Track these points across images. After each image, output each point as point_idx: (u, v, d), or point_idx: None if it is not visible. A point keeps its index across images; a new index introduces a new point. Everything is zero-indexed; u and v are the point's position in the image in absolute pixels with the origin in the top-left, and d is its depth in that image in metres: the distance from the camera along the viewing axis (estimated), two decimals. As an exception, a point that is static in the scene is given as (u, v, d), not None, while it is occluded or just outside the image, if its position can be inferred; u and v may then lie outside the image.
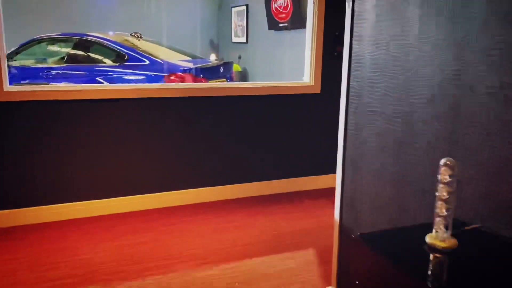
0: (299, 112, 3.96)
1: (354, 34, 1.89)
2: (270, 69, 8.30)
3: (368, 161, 1.87)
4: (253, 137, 3.85)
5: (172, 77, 5.02)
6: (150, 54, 5.40)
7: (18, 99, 3.14)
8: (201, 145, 3.70)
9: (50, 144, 3.29)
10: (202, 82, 5.19)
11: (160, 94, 3.43)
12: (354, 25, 1.89)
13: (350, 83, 1.95)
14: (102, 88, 3.35)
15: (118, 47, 5.37)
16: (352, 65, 1.92)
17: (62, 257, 2.85)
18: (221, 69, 5.62)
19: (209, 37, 10.35)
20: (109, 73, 5.21)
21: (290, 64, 7.51)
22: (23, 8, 8.53)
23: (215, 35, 10.41)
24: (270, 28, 8.02)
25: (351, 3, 1.90)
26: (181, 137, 3.62)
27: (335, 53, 3.92)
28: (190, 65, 5.39)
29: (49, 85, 3.20)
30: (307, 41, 3.97)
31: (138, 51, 5.32)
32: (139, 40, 5.85)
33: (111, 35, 5.94)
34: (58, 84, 3.08)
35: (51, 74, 5.46)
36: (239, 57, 9.49)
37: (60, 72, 5.45)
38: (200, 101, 3.60)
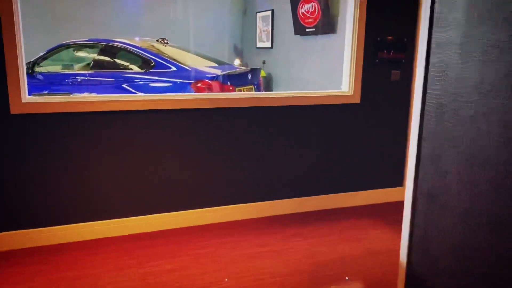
0: (337, 124, 3.57)
1: (434, 40, 1.50)
2: (296, 75, 7.91)
3: (452, 196, 1.48)
4: (286, 150, 3.47)
5: (199, 85, 4.68)
6: (176, 60, 5.07)
7: (38, 111, 2.83)
8: (230, 159, 3.34)
9: (67, 159, 2.97)
10: (230, 89, 4.85)
11: (191, 105, 3.08)
12: (434, 30, 1.50)
13: (427, 100, 1.55)
14: (127, 99, 3.01)
15: (144, 53, 5.06)
16: (430, 78, 1.53)
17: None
18: (249, 76, 5.27)
19: (233, 43, 10.02)
20: (135, 80, 4.91)
21: (317, 70, 7.10)
22: (53, 14, 8.33)
23: (239, 41, 10.08)
24: (296, 33, 7.63)
25: (429, 4, 1.50)
26: (210, 150, 3.26)
27: (376, 60, 3.52)
28: (217, 72, 5.04)
29: (72, 96, 2.88)
30: (346, 47, 3.57)
31: (165, 58, 5.00)
32: (165, 46, 5.55)
33: (137, 41, 5.64)
34: (81, 95, 2.76)
35: (77, 81, 5.18)
36: (264, 62, 9.13)
37: (86, 78, 5.17)
38: (229, 112, 3.24)
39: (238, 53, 10.04)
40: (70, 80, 5.17)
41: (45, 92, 5.24)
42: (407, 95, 3.69)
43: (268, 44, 8.88)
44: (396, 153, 3.80)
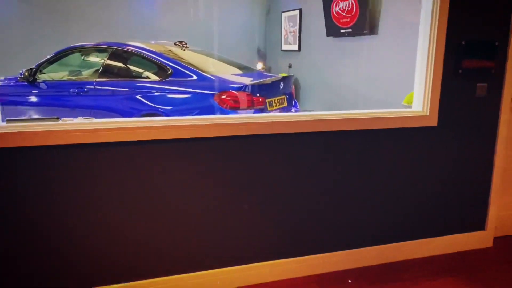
0: (406, 152, 2.72)
1: None
2: (328, 81, 7.07)
3: None
4: (337, 185, 2.64)
5: (224, 96, 3.91)
6: (196, 67, 4.31)
7: (19, 144, 2.06)
8: (294, 196, 2.54)
9: (66, 203, 2.20)
10: (260, 101, 4.06)
11: (240, 131, 2.28)
12: None
13: None
14: (141, 125, 2.21)
15: (160, 59, 4.29)
16: None
17: None
18: (281, 85, 4.47)
19: (255, 45, 9.22)
20: (151, 91, 4.15)
21: (354, 77, 6.26)
22: (67, 15, 7.65)
23: (262, 43, 9.27)
24: (329, 35, 6.79)
25: None
26: (274, 187, 2.47)
27: (460, 71, 2.68)
28: (245, 80, 4.26)
29: (65, 122, 2.08)
30: (418, 54, 2.72)
31: (184, 64, 4.24)
32: (184, 50, 4.79)
33: (152, 44, 4.88)
34: (78, 121, 2.00)
35: (83, 91, 4.45)
36: (290, 66, 8.31)
37: (93, 87, 4.44)
38: (268, 139, 2.44)
39: (261, 56, 9.24)
40: (76, 89, 4.45)
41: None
42: (495, 115, 2.84)
43: (295, 47, 8.06)
44: (478, 188, 2.95)
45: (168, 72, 4.18)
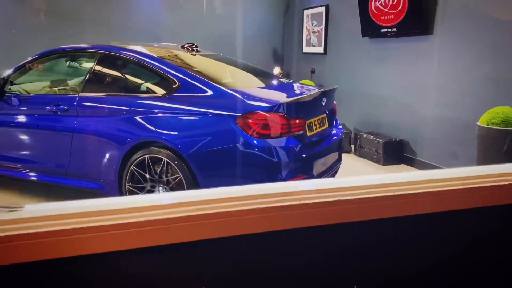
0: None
1: None
2: (362, 91, 5.96)
3: None
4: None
5: (251, 119, 2.83)
6: (212, 78, 3.23)
7: None
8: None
9: None
10: (297, 124, 2.96)
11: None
12: None
13: None
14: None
15: (163, 67, 3.21)
16: None
17: None
18: (323, 101, 3.38)
19: (272, 47, 8.14)
20: (151, 110, 3.08)
21: (400, 86, 5.17)
22: (64, 13, 6.61)
23: (279, 44, 8.19)
24: (365, 35, 5.70)
25: None
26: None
27: None
28: (279, 97, 3.16)
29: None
30: None
31: (195, 75, 3.15)
32: (194, 55, 3.71)
33: (154, 47, 3.80)
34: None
35: (62, 109, 3.38)
36: (313, 72, 7.22)
37: (74, 104, 3.37)
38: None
39: (278, 59, 8.16)
40: (53, 107, 3.38)
41: None
42: None
43: (320, 49, 6.96)
44: None
45: (174, 86, 3.10)
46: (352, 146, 5.70)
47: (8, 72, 3.82)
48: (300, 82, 7.03)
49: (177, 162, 2.96)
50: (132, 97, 3.25)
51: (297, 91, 3.54)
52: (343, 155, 5.46)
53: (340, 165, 3.77)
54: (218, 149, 2.91)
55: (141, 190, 3.13)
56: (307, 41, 7.34)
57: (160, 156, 3.01)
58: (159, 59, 3.28)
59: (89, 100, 3.37)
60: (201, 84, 3.11)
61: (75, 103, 3.38)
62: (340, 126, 3.87)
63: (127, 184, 3.16)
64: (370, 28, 5.51)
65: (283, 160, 2.91)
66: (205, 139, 2.95)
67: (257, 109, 2.91)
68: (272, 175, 2.90)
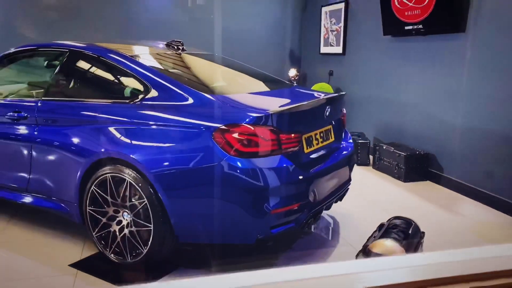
0: None
1: None
2: (384, 96, 5.30)
3: None
4: None
5: (231, 135, 2.25)
6: (190, 82, 2.68)
7: None
8: None
9: None
10: (292, 140, 2.37)
11: None
12: None
13: None
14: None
15: (133, 67, 2.67)
16: None
17: None
18: (327, 111, 2.75)
19: (288, 47, 7.54)
20: (116, 119, 2.55)
21: (427, 91, 4.49)
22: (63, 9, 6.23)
23: (296, 44, 7.58)
24: (386, 33, 5.04)
25: None
26: None
27: None
28: (270, 105, 2.56)
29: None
30: None
31: (169, 77, 2.58)
32: (179, 54, 3.17)
33: (131, 46, 3.27)
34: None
35: (21, 116, 2.90)
36: (330, 74, 6.58)
37: (34, 110, 2.87)
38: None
39: (295, 61, 7.55)
40: (14, 114, 2.89)
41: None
42: None
43: (338, 49, 6.32)
44: None
45: (144, 91, 2.56)
46: (371, 157, 5.05)
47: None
48: (315, 85, 6.41)
49: (141, 184, 2.41)
50: (95, 104, 2.73)
51: (296, 98, 2.93)
52: (359, 169, 4.84)
53: (349, 186, 3.15)
54: (189, 170, 2.35)
55: (103, 215, 2.60)
56: (325, 40, 6.72)
57: (123, 176, 2.47)
58: (128, 58, 2.74)
59: (49, 106, 2.87)
60: (175, 89, 2.56)
61: (35, 110, 2.89)
62: (351, 140, 3.24)
63: (87, 207, 2.63)
64: (392, 25, 4.85)
65: (271, 185, 2.33)
66: (174, 156, 2.40)
67: (239, 120, 2.34)
68: (256, 205, 2.32)
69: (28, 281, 2.47)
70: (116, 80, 2.84)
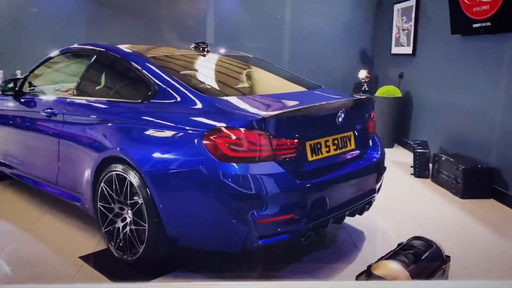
0: None
1: None
2: (454, 102, 4.80)
3: None
4: None
5: (218, 138, 2.15)
6: (201, 84, 2.67)
7: None
8: None
9: None
10: (289, 146, 2.22)
11: None
12: None
13: None
14: None
15: (140, 68, 2.71)
16: None
17: None
18: (339, 116, 2.52)
19: (360, 47, 7.19)
20: (125, 121, 2.63)
21: (496, 99, 3.97)
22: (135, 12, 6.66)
23: (369, 44, 7.20)
24: (455, 32, 4.55)
25: None
26: None
27: None
28: (270, 109, 2.41)
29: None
30: None
31: (175, 78, 2.56)
32: (204, 55, 3.16)
33: (156, 46, 3.34)
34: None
35: (53, 113, 3.11)
36: (400, 76, 6.13)
37: (63, 108, 3.08)
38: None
39: (366, 61, 7.18)
40: (49, 110, 3.12)
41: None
42: None
43: (408, 49, 5.87)
44: None
45: (150, 91, 2.60)
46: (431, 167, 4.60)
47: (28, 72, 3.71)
48: (381, 88, 6.02)
49: (138, 183, 2.45)
50: (110, 102, 2.85)
51: (309, 102, 2.74)
52: (415, 181, 4.37)
53: (374, 199, 2.89)
54: (179, 173, 2.33)
55: (110, 211, 2.69)
56: (396, 40, 6.30)
57: (124, 175, 2.53)
58: (139, 59, 2.80)
59: (73, 105, 3.06)
60: (177, 90, 2.56)
61: (63, 108, 3.09)
62: (379, 148, 2.96)
63: (98, 203, 2.75)
64: (460, 23, 4.38)
65: (258, 193, 2.22)
66: (166, 158, 2.40)
67: (228, 124, 2.26)
68: (242, 213, 2.22)
69: (36, 268, 2.64)
70: (128, 80, 2.92)
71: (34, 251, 2.84)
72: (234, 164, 2.22)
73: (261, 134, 2.24)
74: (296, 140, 2.37)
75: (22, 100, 3.53)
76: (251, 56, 3.63)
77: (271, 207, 2.24)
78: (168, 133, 2.43)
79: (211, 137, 2.25)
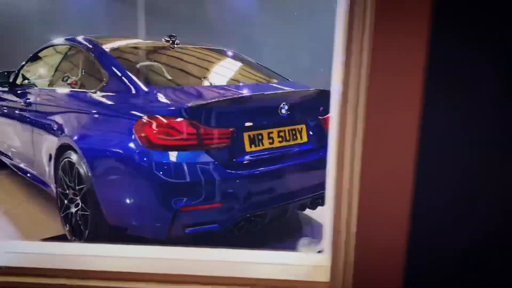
0: None
1: None
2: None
3: None
4: None
5: (150, 126, 2.19)
6: (150, 74, 2.71)
7: None
8: None
9: None
10: (217, 136, 2.21)
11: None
12: None
13: None
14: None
15: (100, 58, 2.81)
16: None
17: None
18: (283, 108, 2.45)
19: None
20: (77, 109, 2.74)
21: None
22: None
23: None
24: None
25: None
26: None
27: None
28: (205, 99, 2.39)
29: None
30: None
31: (122, 68, 2.64)
32: (173, 47, 3.20)
33: (121, 40, 3.42)
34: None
35: (30, 102, 3.29)
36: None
37: (36, 97, 3.27)
38: None
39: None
40: (27, 99, 3.31)
41: None
42: None
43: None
44: None
45: (103, 81, 2.68)
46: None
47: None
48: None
49: (82, 169, 2.55)
50: (70, 92, 2.97)
51: (255, 92, 2.70)
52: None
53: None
54: (116, 160, 2.41)
55: (66, 197, 2.81)
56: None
57: (73, 160, 2.64)
58: (98, 49, 2.90)
59: (43, 95, 3.22)
60: (122, 80, 2.63)
61: (37, 98, 3.27)
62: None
63: (58, 188, 2.88)
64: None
65: (181, 181, 2.24)
66: (107, 145, 2.47)
67: (156, 112, 2.30)
68: (164, 200, 2.25)
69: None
70: (89, 71, 3.02)
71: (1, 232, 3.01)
72: (160, 152, 2.25)
73: (187, 122, 2.25)
74: (230, 130, 2.35)
75: (14, 92, 3.75)
76: (229, 50, 3.63)
77: (195, 196, 2.24)
78: (109, 121, 2.50)
79: (140, 125, 2.29)
